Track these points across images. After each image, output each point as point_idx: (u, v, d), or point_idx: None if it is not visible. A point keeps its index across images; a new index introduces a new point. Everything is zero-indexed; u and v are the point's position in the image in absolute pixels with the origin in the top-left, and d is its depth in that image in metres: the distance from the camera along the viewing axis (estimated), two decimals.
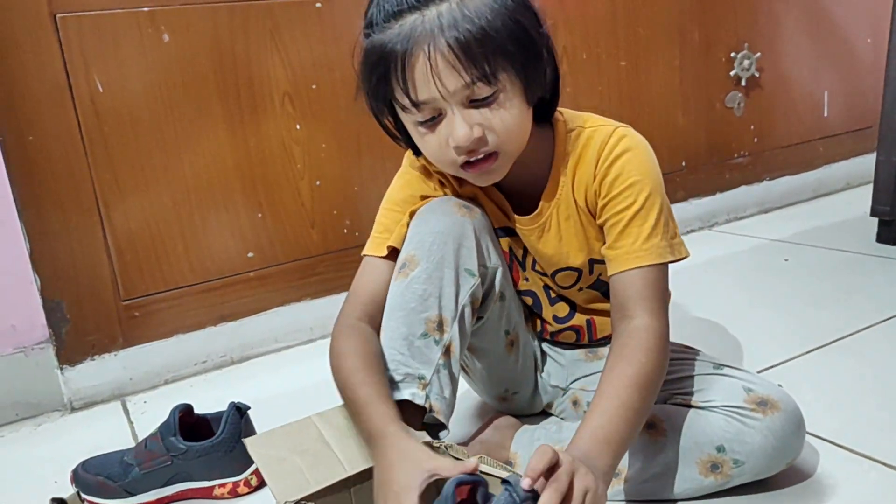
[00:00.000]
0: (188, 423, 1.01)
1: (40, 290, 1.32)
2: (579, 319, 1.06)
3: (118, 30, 1.32)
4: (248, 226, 1.48)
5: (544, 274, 1.02)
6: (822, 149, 2.27)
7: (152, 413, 1.33)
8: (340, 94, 1.52)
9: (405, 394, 0.85)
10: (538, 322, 1.10)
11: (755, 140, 2.13)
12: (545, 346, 1.12)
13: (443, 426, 0.88)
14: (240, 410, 1.00)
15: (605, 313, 1.04)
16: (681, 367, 0.94)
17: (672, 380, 0.92)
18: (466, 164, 0.85)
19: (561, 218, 0.95)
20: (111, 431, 1.28)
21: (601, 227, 0.93)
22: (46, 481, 1.11)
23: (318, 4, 1.47)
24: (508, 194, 0.98)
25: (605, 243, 0.91)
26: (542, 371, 1.11)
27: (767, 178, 2.18)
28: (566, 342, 1.10)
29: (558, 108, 0.94)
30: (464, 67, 0.78)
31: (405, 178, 1.00)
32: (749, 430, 0.83)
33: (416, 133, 0.87)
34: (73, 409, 1.37)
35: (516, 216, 0.98)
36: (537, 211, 0.96)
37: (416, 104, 0.81)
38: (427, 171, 0.99)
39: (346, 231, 1.58)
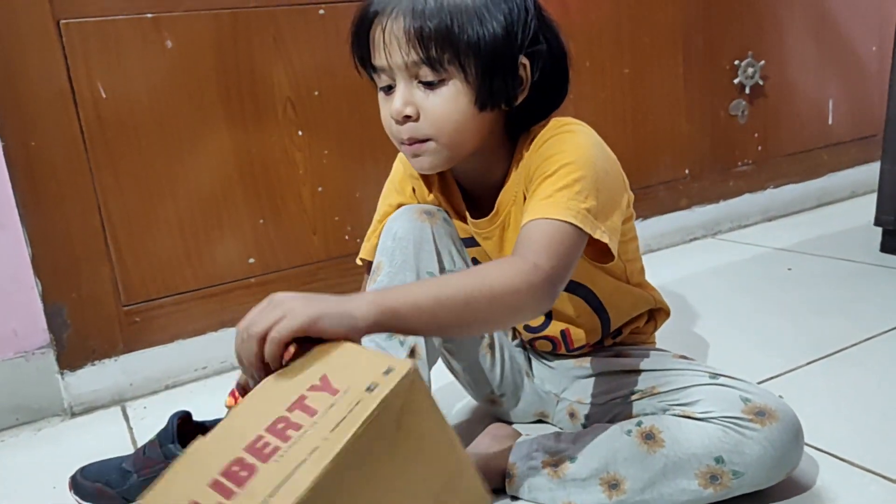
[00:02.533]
0: (187, 430, 1.01)
1: (42, 294, 1.32)
2: (553, 329, 1.06)
3: (121, 36, 1.32)
4: (249, 232, 1.49)
5: None
6: (826, 157, 2.27)
7: (152, 419, 1.33)
8: (343, 101, 1.52)
9: None
10: (512, 330, 1.10)
11: (759, 148, 2.12)
12: (537, 355, 1.12)
13: None
14: None
15: (580, 324, 1.04)
16: (677, 378, 0.93)
17: (669, 391, 0.92)
18: (403, 144, 0.88)
19: (517, 216, 0.93)
20: (111, 437, 1.28)
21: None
22: (45, 487, 1.11)
23: (322, 11, 1.47)
24: (470, 200, 1.00)
25: None
26: (533, 376, 1.10)
27: (771, 186, 2.17)
28: (544, 350, 1.10)
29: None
30: (411, 46, 0.81)
31: (386, 189, 1.07)
32: (747, 440, 0.83)
33: (380, 100, 0.90)
34: (74, 415, 1.37)
35: (473, 220, 0.99)
36: (494, 211, 0.96)
37: (374, 68, 0.86)
38: (403, 178, 1.04)
39: (347, 237, 1.58)
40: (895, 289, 1.53)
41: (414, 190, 1.04)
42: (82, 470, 1.02)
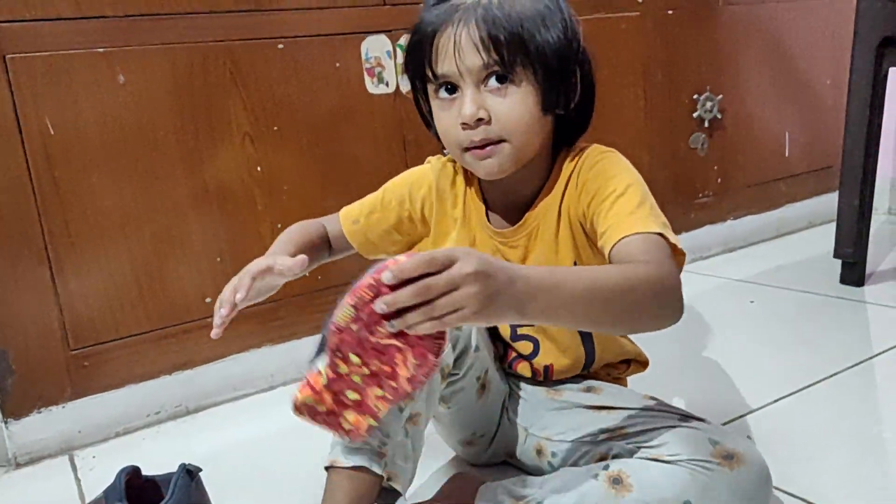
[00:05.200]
0: (136, 485, 0.96)
1: None
2: (540, 360, 1.04)
3: (72, 71, 1.27)
4: (206, 270, 1.44)
5: None
6: (784, 188, 2.30)
7: (102, 468, 1.26)
8: (304, 136, 1.49)
9: (363, 460, 0.86)
10: (500, 346, 1.08)
11: (719, 180, 2.14)
12: (510, 380, 1.09)
13: (398, 494, 0.87)
14: (190, 474, 0.95)
15: (567, 356, 1.03)
16: (645, 420, 0.92)
17: (638, 431, 0.91)
18: (471, 149, 0.90)
19: (549, 226, 0.96)
20: (57, 489, 1.21)
21: (593, 230, 0.91)
22: None
23: (281, 45, 1.45)
24: (493, 210, 1.01)
25: (593, 250, 0.94)
26: (511, 412, 1.07)
27: (731, 217, 2.19)
28: (522, 376, 1.07)
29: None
30: (484, 48, 0.85)
31: (400, 179, 1.07)
32: (716, 483, 0.81)
33: (435, 110, 0.93)
34: (18, 465, 1.30)
35: (498, 231, 0.99)
36: (523, 221, 0.97)
37: (436, 76, 0.89)
38: (423, 185, 1.04)
39: (307, 275, 1.53)
40: (857, 322, 1.54)
41: (423, 206, 1.04)
42: None
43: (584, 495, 0.87)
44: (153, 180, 1.37)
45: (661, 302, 0.77)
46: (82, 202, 1.31)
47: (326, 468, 0.88)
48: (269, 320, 1.52)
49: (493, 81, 0.87)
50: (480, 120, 0.87)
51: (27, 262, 1.28)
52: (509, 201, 0.99)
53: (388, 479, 0.87)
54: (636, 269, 0.78)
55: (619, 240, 0.83)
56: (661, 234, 0.83)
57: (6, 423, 1.29)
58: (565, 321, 0.78)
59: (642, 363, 1.10)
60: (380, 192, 1.08)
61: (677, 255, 0.85)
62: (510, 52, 0.85)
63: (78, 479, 1.24)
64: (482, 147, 0.89)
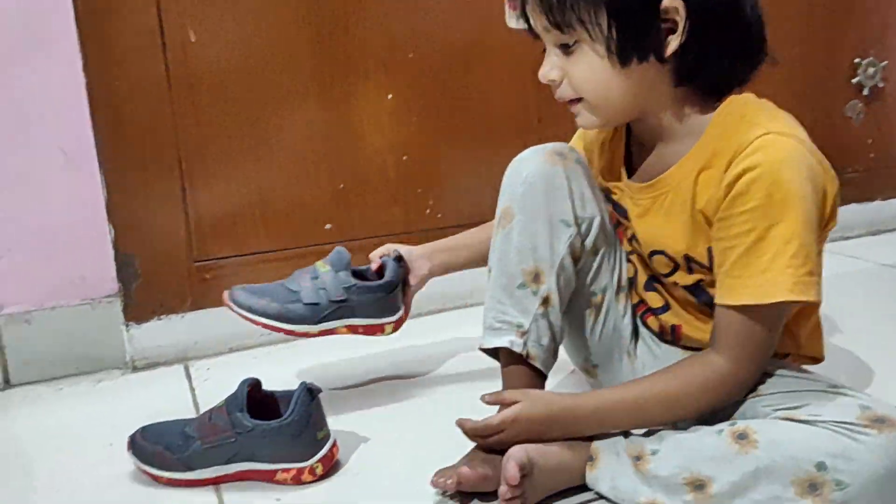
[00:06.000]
0: (255, 397, 0.94)
1: (114, 241, 1.27)
2: (667, 318, 0.97)
3: None
4: (328, 196, 1.41)
5: (641, 255, 0.96)
6: None
7: (215, 381, 1.27)
8: (438, 66, 1.43)
9: (504, 341, 0.92)
10: (634, 295, 1.02)
11: (871, 155, 1.96)
12: (641, 329, 1.02)
13: (541, 374, 0.94)
14: (311, 392, 0.92)
15: (697, 326, 0.94)
16: (787, 382, 0.84)
17: (775, 393, 0.83)
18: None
19: (674, 202, 0.87)
20: (172, 396, 1.22)
21: (715, 251, 0.85)
22: (101, 443, 1.06)
23: None
24: (631, 155, 0.96)
25: (711, 256, 0.86)
26: (635, 357, 1.01)
27: (881, 197, 2.01)
28: (651, 329, 1.01)
29: (742, 94, 0.86)
30: (541, 12, 0.84)
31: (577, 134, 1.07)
32: (858, 446, 0.73)
33: None
34: (135, 369, 1.32)
35: (627, 180, 0.94)
36: (651, 183, 0.90)
37: (535, 33, 0.88)
38: None
39: (428, 211, 1.49)
40: None
41: (589, 154, 1.02)
42: (143, 430, 0.96)
43: (702, 449, 0.80)
44: (284, 98, 1.34)
45: (712, 403, 0.85)
46: (217, 117, 1.30)
47: (479, 349, 0.97)
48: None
49: (559, 40, 0.85)
50: (553, 81, 0.87)
51: (159, 171, 1.29)
52: (650, 157, 0.93)
53: (528, 358, 0.93)
54: (694, 376, 0.84)
55: (723, 305, 0.83)
56: (781, 302, 0.79)
57: (127, 326, 1.31)
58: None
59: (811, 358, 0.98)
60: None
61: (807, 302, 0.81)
62: (560, 12, 0.82)
63: (192, 388, 1.25)
64: (567, 102, 0.89)
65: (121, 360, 1.32)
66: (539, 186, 0.92)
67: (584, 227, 0.95)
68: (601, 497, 0.86)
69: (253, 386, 0.93)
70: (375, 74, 1.39)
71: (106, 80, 1.22)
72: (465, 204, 1.50)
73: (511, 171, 0.96)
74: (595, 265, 0.98)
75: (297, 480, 0.92)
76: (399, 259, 1.09)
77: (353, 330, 1.08)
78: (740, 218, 0.80)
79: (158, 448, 0.92)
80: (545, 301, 0.92)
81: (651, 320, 1.00)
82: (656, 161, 0.91)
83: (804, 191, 0.78)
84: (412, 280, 1.12)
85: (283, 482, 0.93)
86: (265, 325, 1.04)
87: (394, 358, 1.29)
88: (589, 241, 0.96)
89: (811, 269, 0.79)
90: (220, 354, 1.38)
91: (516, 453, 0.82)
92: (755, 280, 0.79)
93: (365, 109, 1.40)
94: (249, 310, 1.05)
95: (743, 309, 0.81)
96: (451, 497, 0.89)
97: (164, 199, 1.29)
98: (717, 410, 0.85)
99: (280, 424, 0.90)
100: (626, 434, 0.87)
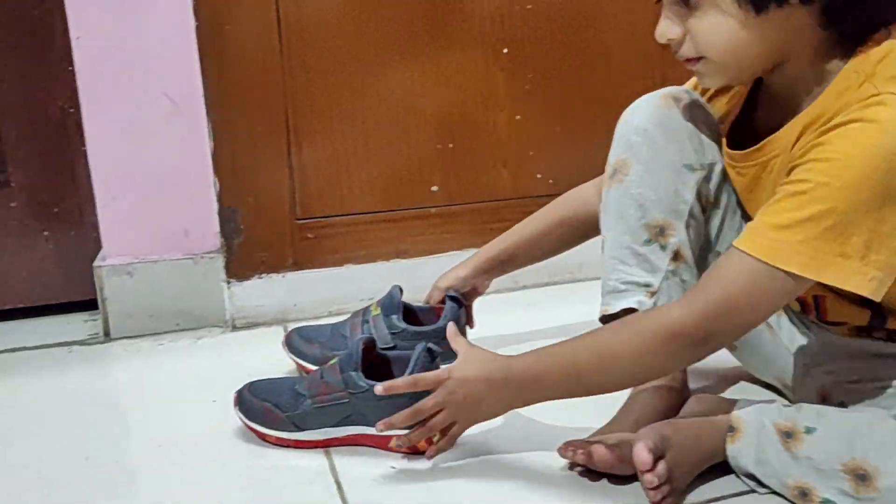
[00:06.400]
0: (368, 357, 0.88)
1: (218, 195, 1.23)
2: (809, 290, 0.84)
3: None
4: (435, 155, 1.34)
5: None
6: None
7: None
8: (558, 20, 1.34)
9: (631, 301, 0.83)
10: None
11: None
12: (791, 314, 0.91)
13: None
14: (432, 354, 0.85)
15: (842, 297, 0.82)
16: None
17: None
18: None
19: (782, 169, 0.76)
20: (271, 356, 1.17)
21: None
22: (203, 398, 1.03)
23: None
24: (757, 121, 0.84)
25: None
26: (781, 329, 0.90)
27: None
28: (793, 308, 0.89)
29: (890, 41, 0.73)
30: None
31: None
32: None
33: None
34: (235, 328, 1.28)
35: (729, 150, 0.83)
36: (758, 147, 0.79)
37: None
38: None
39: (539, 176, 1.40)
40: None
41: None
42: (251, 385, 0.91)
43: (872, 434, 0.70)
44: (396, 51, 1.28)
45: (654, 365, 0.76)
46: (325, 65, 1.25)
47: (600, 320, 0.87)
48: (492, 221, 1.40)
49: None
50: (672, 39, 0.76)
51: (266, 123, 1.24)
52: (762, 116, 0.83)
53: None
54: (640, 328, 0.75)
55: (730, 247, 0.72)
56: (787, 272, 0.68)
57: (228, 283, 1.27)
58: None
59: None
60: None
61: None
62: None
63: None
64: (684, 61, 0.78)
65: (221, 318, 1.28)
66: (656, 132, 0.84)
67: (706, 173, 0.85)
68: (751, 478, 0.77)
69: (368, 344, 0.87)
70: (491, 26, 1.31)
71: (216, 25, 1.18)
72: (578, 171, 1.39)
73: (623, 120, 0.88)
74: (719, 220, 0.89)
75: (413, 449, 0.85)
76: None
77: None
78: (805, 166, 0.70)
79: (267, 405, 0.87)
80: (676, 256, 0.84)
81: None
82: (769, 120, 0.80)
83: (885, 175, 0.67)
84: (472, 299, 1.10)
85: (397, 450, 0.86)
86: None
87: (497, 332, 1.21)
88: (712, 190, 0.86)
89: (847, 251, 0.67)
90: (319, 318, 1.32)
91: (645, 433, 0.74)
92: (774, 235, 0.69)
93: (477, 64, 1.32)
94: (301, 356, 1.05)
95: (741, 258, 0.70)
96: (581, 473, 0.81)
97: (269, 152, 1.25)
98: (651, 378, 0.82)
99: None
100: (778, 413, 0.76)
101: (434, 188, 1.35)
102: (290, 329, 1.06)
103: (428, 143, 1.33)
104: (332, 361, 0.87)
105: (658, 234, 0.84)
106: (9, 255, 1.30)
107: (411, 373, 0.83)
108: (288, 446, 0.87)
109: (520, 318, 1.26)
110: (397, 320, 0.99)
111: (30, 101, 1.26)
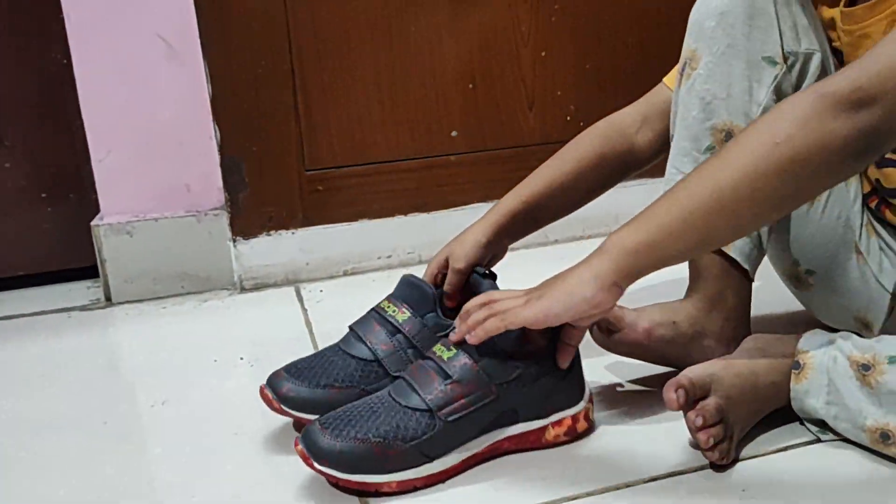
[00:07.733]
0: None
1: (219, 145, 1.14)
2: None
3: None
4: (456, 97, 1.23)
5: None
6: None
7: (329, 304, 1.14)
8: None
9: None
10: (865, 182, 0.78)
11: None
12: (876, 225, 0.79)
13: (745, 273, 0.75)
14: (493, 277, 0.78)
15: None
16: None
17: None
18: None
19: None
20: (284, 318, 1.10)
21: None
22: (208, 365, 0.94)
23: None
24: None
25: None
26: (870, 256, 0.78)
27: None
28: (892, 223, 0.77)
29: None
30: None
31: None
32: None
33: None
34: (243, 289, 1.20)
35: (847, 10, 0.72)
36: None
37: None
38: None
39: (569, 118, 1.29)
40: None
41: None
42: (322, 421, 0.66)
43: None
44: None
45: (793, 178, 0.57)
46: (334, 8, 1.15)
47: None
48: (518, 168, 1.28)
49: None
50: None
51: (269, 65, 1.14)
52: None
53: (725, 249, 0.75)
54: (773, 134, 0.57)
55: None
56: None
57: (234, 241, 1.18)
58: (674, 262, 0.64)
59: None
60: None
61: None
62: None
63: (304, 310, 1.12)
64: None
65: (228, 279, 1.20)
66: (735, 14, 0.72)
67: (797, 66, 0.74)
68: (819, 424, 0.68)
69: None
70: None
71: None
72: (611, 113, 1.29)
73: (697, 5, 0.76)
74: None
75: (573, 432, 0.71)
76: (493, 276, 0.83)
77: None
78: None
79: (371, 437, 0.63)
80: None
81: (890, 213, 0.77)
82: None
83: None
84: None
85: (554, 441, 0.70)
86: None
87: None
88: (804, 86, 0.73)
89: None
90: (333, 278, 1.24)
91: (690, 370, 0.66)
92: None
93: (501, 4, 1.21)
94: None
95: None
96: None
97: (273, 95, 1.15)
98: (826, 170, 0.58)
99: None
100: (852, 343, 0.66)
101: (454, 133, 1.25)
102: (268, 377, 0.75)
103: (446, 84, 1.22)
104: (440, 353, 0.67)
105: (723, 139, 0.74)
106: (4, 220, 1.22)
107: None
108: (414, 489, 0.65)
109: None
110: (437, 318, 0.78)
111: (23, 53, 1.17)
